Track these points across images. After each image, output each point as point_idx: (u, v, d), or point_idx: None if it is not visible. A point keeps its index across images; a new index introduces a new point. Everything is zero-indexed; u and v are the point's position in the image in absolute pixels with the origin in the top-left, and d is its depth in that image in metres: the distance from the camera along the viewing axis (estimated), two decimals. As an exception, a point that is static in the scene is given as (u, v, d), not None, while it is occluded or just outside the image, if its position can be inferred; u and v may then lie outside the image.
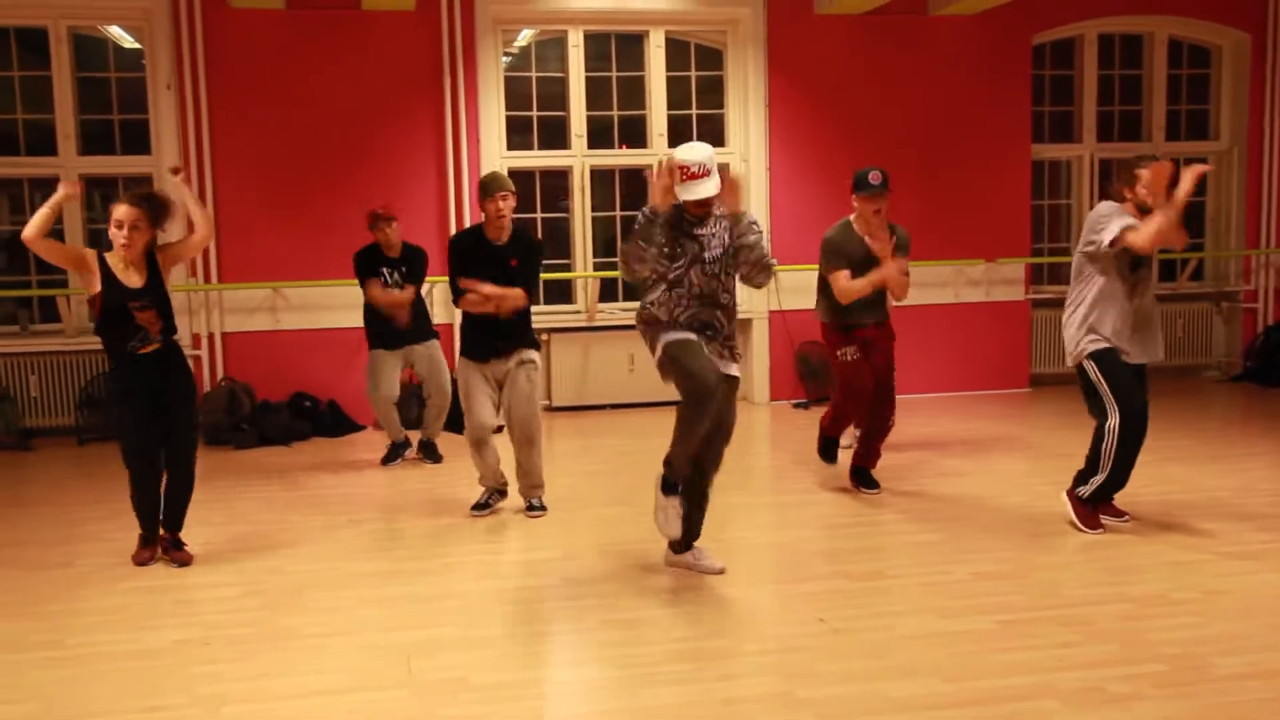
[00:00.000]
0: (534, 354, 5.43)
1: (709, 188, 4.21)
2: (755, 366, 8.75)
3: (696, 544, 4.58)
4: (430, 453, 6.91)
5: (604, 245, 8.82)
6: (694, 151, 4.26)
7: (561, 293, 8.79)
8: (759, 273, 4.36)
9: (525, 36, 8.63)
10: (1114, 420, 4.81)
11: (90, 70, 8.11)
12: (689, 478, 4.38)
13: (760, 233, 4.37)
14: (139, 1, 7.82)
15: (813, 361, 8.56)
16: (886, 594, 4.29)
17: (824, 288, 5.77)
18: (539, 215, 8.65)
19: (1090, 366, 4.88)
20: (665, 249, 4.29)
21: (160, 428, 4.74)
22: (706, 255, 4.30)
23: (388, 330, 6.64)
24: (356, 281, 6.64)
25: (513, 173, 8.44)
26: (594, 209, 8.69)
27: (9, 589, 4.56)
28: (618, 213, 8.79)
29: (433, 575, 4.63)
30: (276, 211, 8.03)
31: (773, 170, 8.65)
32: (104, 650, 3.87)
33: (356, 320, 6.88)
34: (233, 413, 7.62)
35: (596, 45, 8.65)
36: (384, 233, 6.54)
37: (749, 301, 8.34)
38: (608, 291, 8.73)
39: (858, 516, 5.41)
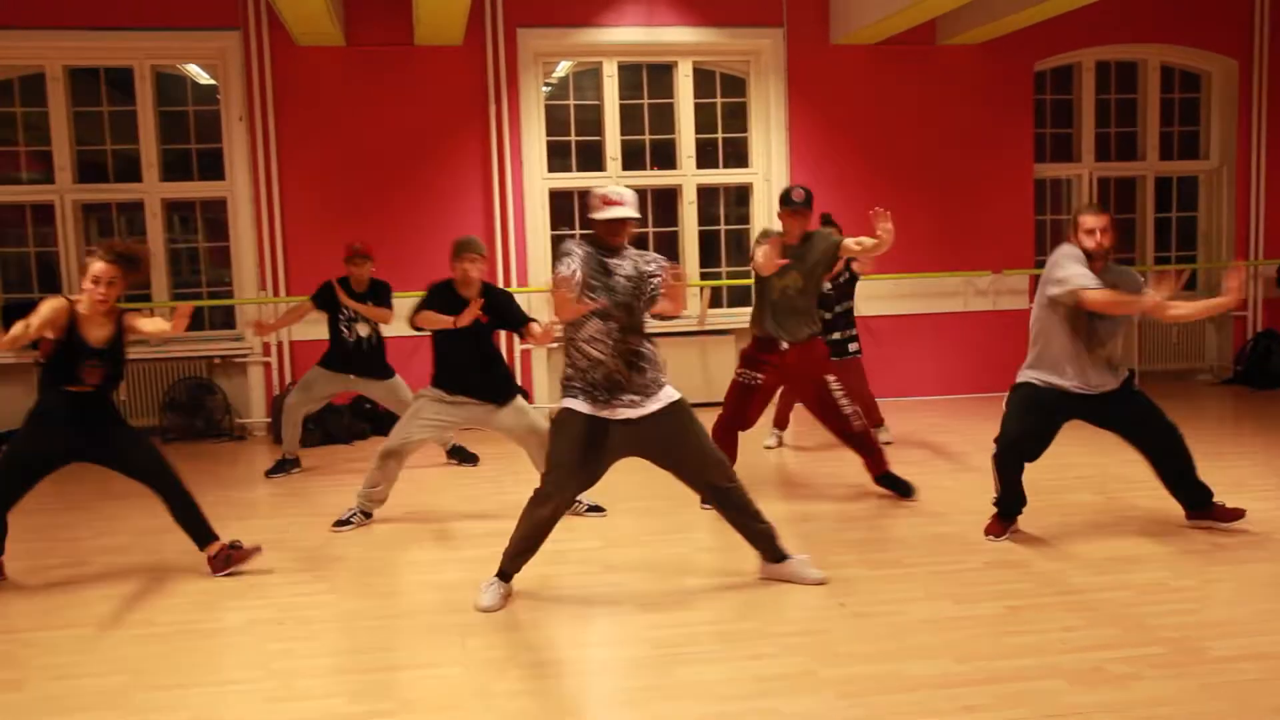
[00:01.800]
0: (524, 400, 5.32)
1: (625, 210, 3.96)
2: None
3: (799, 555, 4.30)
4: (463, 455, 6.79)
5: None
6: (615, 189, 4.03)
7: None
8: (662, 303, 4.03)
9: (564, 68, 8.70)
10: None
11: (170, 104, 8.28)
12: (723, 494, 4.22)
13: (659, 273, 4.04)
14: (214, 42, 7.97)
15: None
16: (903, 581, 4.29)
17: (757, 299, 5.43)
18: (577, 231, 8.71)
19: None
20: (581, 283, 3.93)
21: (107, 458, 4.53)
22: (618, 286, 4.01)
23: (339, 357, 6.48)
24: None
25: (553, 193, 8.56)
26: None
27: (105, 575, 4.67)
28: (650, 230, 8.83)
29: (484, 563, 4.65)
30: (337, 230, 8.09)
31: (793, 190, 8.66)
32: (189, 628, 3.95)
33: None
34: (299, 414, 7.72)
35: (629, 75, 8.71)
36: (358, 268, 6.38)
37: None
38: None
39: (876, 510, 5.41)
